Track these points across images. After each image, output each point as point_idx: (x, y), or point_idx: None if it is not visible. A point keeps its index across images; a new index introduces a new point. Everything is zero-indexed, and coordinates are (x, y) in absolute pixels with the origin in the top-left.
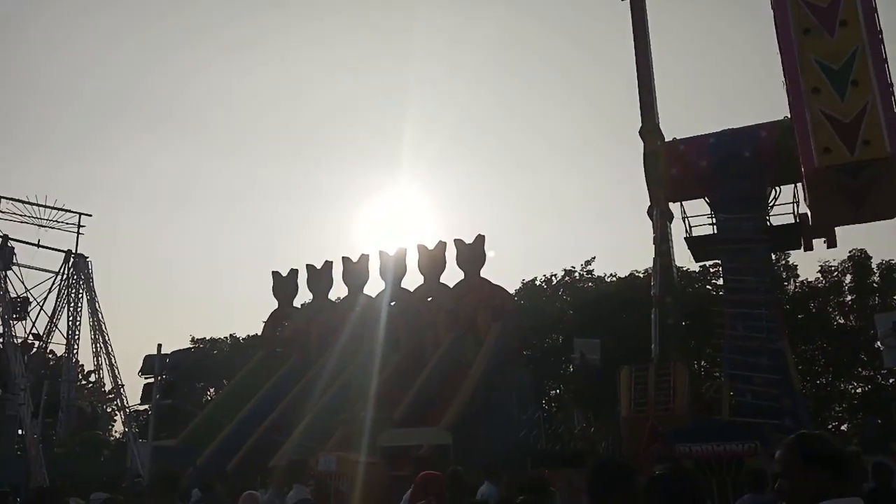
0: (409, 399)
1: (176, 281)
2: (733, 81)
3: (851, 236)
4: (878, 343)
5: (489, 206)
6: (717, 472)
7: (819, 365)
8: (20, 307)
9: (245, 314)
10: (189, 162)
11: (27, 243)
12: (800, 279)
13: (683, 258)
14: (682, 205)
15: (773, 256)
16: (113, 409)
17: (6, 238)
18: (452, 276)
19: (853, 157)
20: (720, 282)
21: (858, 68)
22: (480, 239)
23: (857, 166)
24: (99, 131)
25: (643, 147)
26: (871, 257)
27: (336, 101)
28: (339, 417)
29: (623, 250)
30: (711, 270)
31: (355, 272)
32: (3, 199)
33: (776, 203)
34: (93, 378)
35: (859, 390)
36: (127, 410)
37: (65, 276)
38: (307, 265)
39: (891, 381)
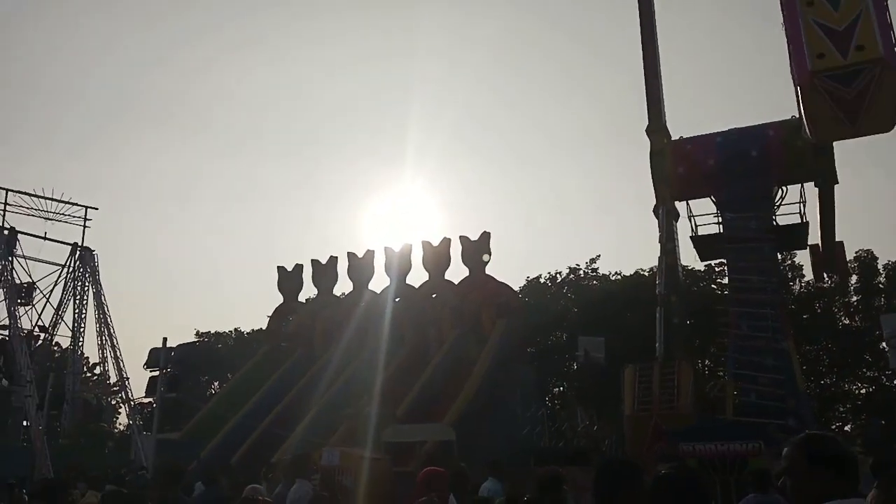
0: (413, 395)
1: (181, 275)
2: (740, 80)
3: (857, 237)
4: (884, 344)
5: (494, 203)
6: (720, 471)
7: (824, 365)
8: (25, 293)
9: (250, 309)
10: (194, 158)
11: (34, 236)
12: (805, 279)
13: (689, 257)
14: (688, 204)
15: (779, 256)
16: (117, 402)
17: (13, 230)
18: (457, 272)
19: (846, 60)
20: (725, 281)
21: None
22: (485, 236)
23: (850, 73)
24: (104, 129)
25: (649, 145)
26: (877, 258)
27: (339, 99)
28: (342, 412)
29: (628, 249)
30: (717, 269)
31: (360, 268)
32: (10, 192)
33: (783, 203)
34: (98, 370)
35: (863, 391)
36: (131, 403)
37: (71, 269)
38: (312, 260)
39: (895, 382)
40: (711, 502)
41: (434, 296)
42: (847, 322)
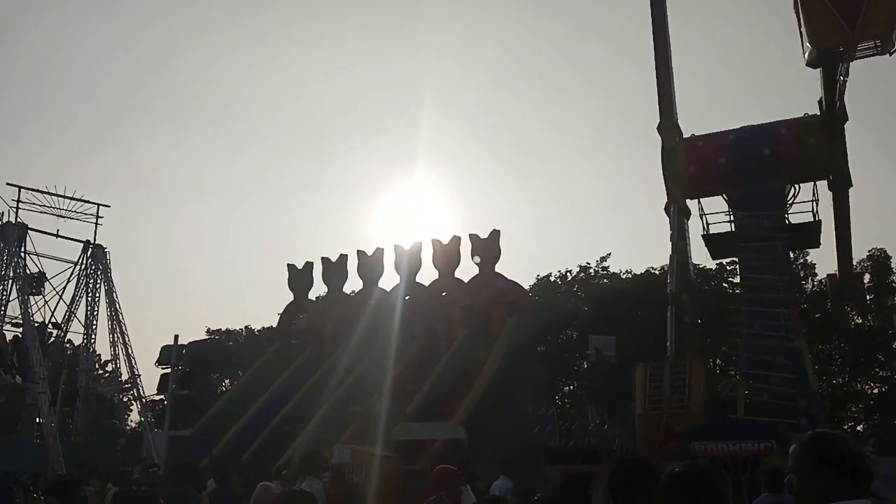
0: (423, 393)
1: (192, 273)
2: (753, 77)
3: (871, 236)
4: None
5: (504, 201)
6: (732, 471)
7: (836, 364)
8: (36, 283)
9: (260, 306)
10: (206, 156)
11: (46, 233)
12: (818, 278)
13: (700, 255)
14: (699, 202)
15: (792, 255)
16: (129, 399)
17: (25, 226)
18: (467, 271)
19: None
20: (737, 280)
21: None
22: (495, 234)
23: None
24: (116, 126)
25: (661, 143)
26: (890, 257)
27: (351, 97)
28: (352, 409)
29: (639, 247)
30: (728, 268)
31: (370, 266)
32: (23, 190)
33: (795, 201)
34: (110, 367)
35: (876, 390)
36: (143, 400)
37: (83, 266)
38: (322, 258)
39: None
40: (725, 501)
41: (444, 294)
42: (860, 321)
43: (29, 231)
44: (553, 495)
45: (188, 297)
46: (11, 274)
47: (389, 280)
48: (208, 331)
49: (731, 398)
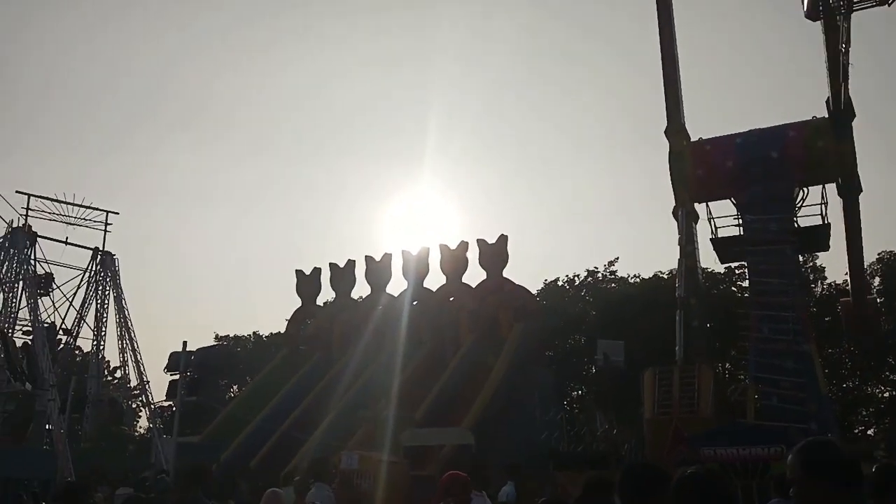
0: (431, 398)
1: (200, 279)
2: (761, 80)
3: (880, 238)
4: None
5: (512, 205)
6: (742, 476)
7: (846, 368)
8: (44, 283)
9: (269, 312)
10: (213, 162)
11: (56, 240)
12: (827, 281)
13: (709, 259)
14: (707, 205)
15: (801, 258)
16: (138, 405)
17: (34, 233)
18: (475, 276)
19: None
20: (746, 283)
21: None
22: (503, 239)
23: None
24: (126, 132)
25: (669, 147)
26: None
27: (358, 101)
28: (359, 413)
29: (647, 251)
30: (737, 272)
31: (378, 271)
32: (32, 197)
33: (804, 204)
34: (118, 374)
35: (886, 394)
36: (152, 406)
37: (92, 273)
38: (330, 264)
39: None
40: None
41: (451, 299)
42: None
43: (38, 238)
44: (559, 499)
45: (196, 303)
46: (21, 280)
47: (397, 285)
48: (217, 337)
49: (741, 403)
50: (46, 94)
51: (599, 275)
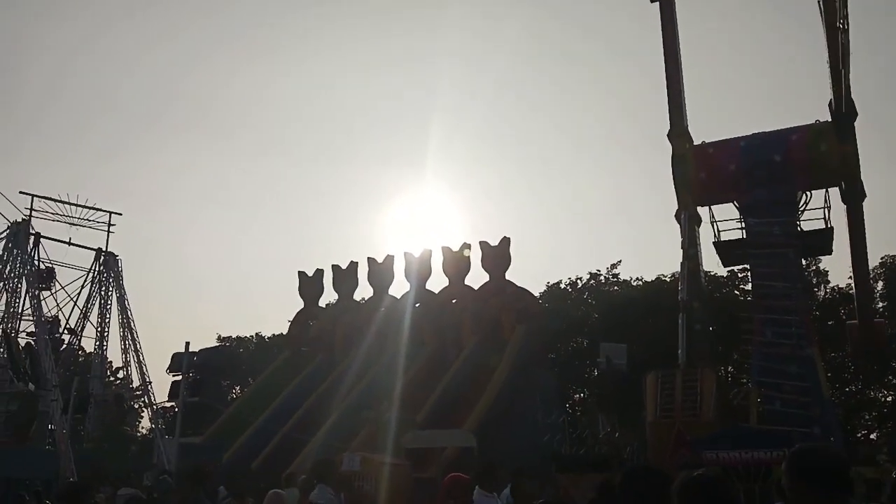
0: (433, 401)
1: (203, 280)
2: (764, 84)
3: (882, 242)
4: None
5: (514, 207)
6: (744, 480)
7: (849, 372)
8: (45, 277)
9: (271, 314)
10: (217, 163)
11: (59, 241)
12: (830, 285)
13: (711, 263)
14: (710, 209)
15: (804, 262)
16: (140, 406)
17: (38, 235)
18: (477, 278)
19: None
20: (749, 287)
21: None
22: (505, 241)
23: None
24: (129, 134)
25: (672, 150)
26: None
27: (361, 104)
28: (362, 414)
29: (650, 254)
30: (740, 275)
31: (380, 273)
32: (36, 198)
33: (807, 208)
34: (121, 374)
35: (889, 399)
36: (154, 407)
37: (95, 274)
38: (333, 266)
39: None
40: None
41: (454, 301)
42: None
43: (42, 239)
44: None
45: (199, 304)
46: (24, 279)
47: (399, 287)
48: (219, 338)
49: (744, 406)
50: (51, 96)
51: (602, 277)
